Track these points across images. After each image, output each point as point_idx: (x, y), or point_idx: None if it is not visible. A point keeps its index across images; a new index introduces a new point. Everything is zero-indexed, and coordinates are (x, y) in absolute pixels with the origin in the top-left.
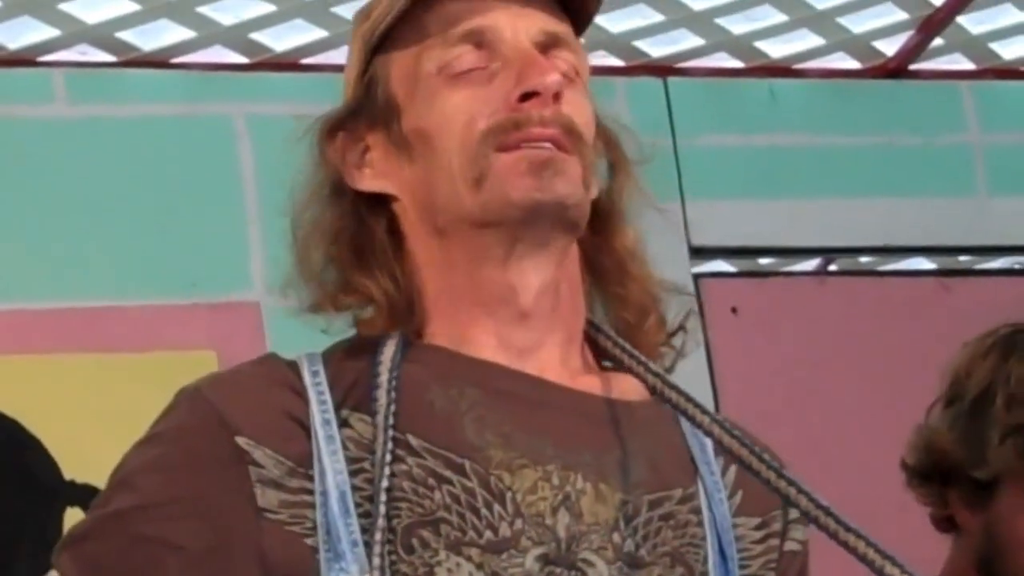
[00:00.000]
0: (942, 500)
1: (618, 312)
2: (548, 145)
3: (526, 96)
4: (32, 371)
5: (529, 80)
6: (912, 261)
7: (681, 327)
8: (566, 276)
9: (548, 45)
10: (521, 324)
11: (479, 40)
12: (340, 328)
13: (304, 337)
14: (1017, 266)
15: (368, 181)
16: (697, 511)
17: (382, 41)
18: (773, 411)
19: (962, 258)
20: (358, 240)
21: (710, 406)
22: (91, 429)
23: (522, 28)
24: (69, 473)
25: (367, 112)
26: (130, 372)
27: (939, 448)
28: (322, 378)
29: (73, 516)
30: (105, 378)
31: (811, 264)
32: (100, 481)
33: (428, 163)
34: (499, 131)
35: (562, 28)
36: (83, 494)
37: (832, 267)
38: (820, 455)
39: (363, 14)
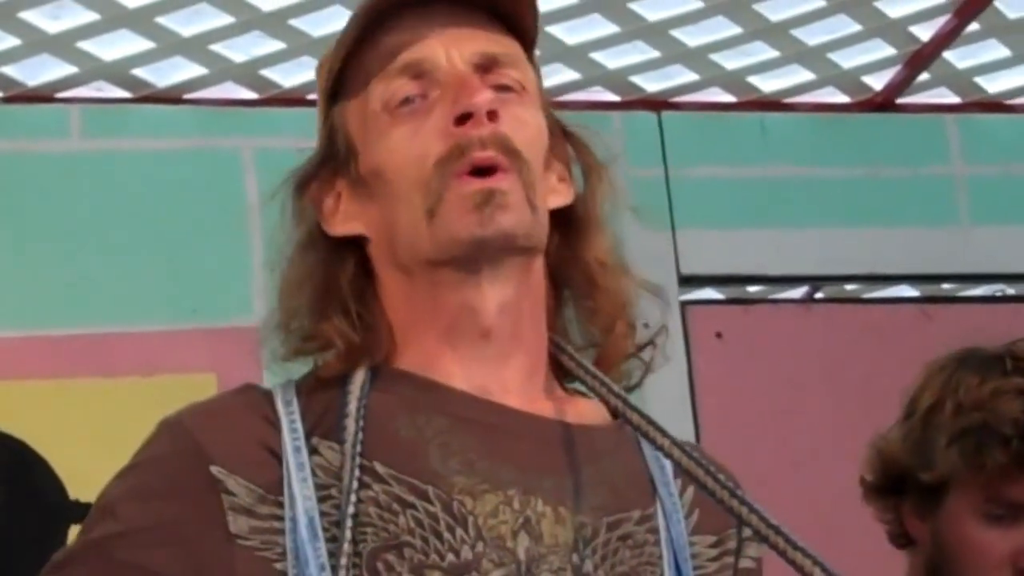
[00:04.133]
0: (897, 514)
1: (587, 325)
2: (487, 177)
3: (461, 119)
4: (40, 394)
5: (460, 102)
6: (896, 289)
7: (651, 342)
8: (529, 295)
9: (487, 66)
10: (483, 342)
11: (417, 71)
12: None
13: (297, 362)
14: (998, 293)
15: (340, 225)
16: (654, 531)
17: (337, 89)
18: (754, 434)
19: (945, 286)
20: (323, 287)
21: (690, 428)
22: (96, 450)
23: (456, 53)
24: (74, 492)
25: (332, 159)
26: (134, 395)
27: (890, 456)
28: (295, 407)
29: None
30: (110, 400)
31: (798, 292)
32: None
33: (387, 200)
34: (447, 160)
35: (502, 47)
36: (87, 513)
37: (819, 295)
38: (800, 478)
39: (320, 67)
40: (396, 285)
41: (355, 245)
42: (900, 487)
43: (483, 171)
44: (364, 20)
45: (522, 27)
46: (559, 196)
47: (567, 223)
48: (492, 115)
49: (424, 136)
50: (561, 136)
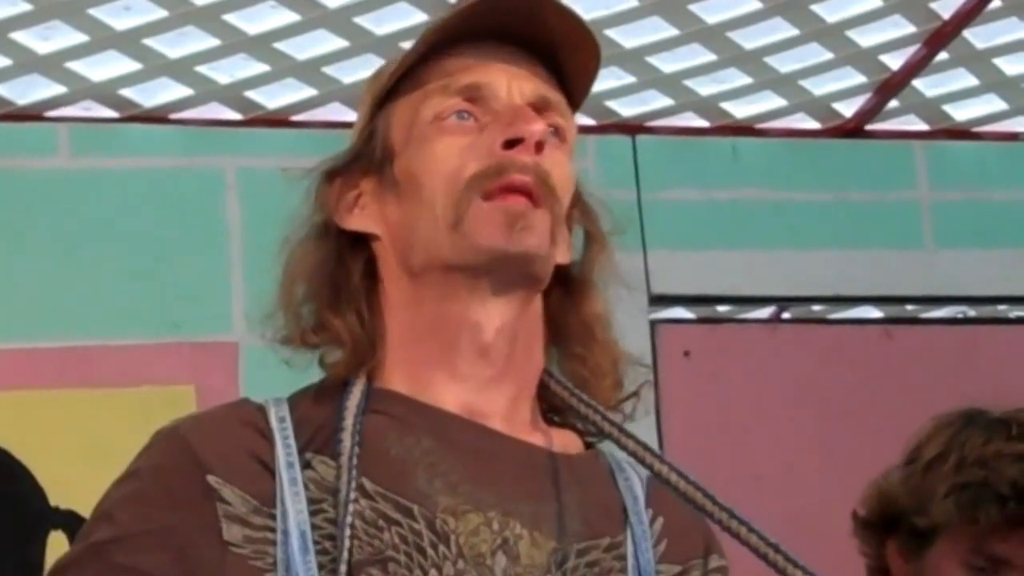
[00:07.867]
0: (880, 551)
1: (576, 368)
2: (523, 197)
3: (510, 144)
4: (23, 404)
5: (514, 128)
6: (860, 310)
7: (635, 393)
8: (525, 328)
9: (540, 107)
10: (481, 361)
11: (476, 95)
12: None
13: (276, 375)
14: (959, 315)
15: (354, 220)
16: (622, 558)
17: (387, 96)
18: (718, 451)
19: (908, 307)
20: (335, 278)
21: (655, 444)
22: (77, 459)
23: (517, 88)
24: (55, 499)
25: (364, 159)
26: (115, 406)
27: (888, 496)
28: (288, 423)
29: (56, 539)
30: (91, 411)
31: (765, 312)
32: (83, 507)
33: (413, 204)
34: (483, 177)
35: (556, 96)
36: (66, 519)
37: (785, 315)
38: (764, 494)
39: (375, 75)
40: (401, 291)
41: (364, 244)
42: (891, 526)
43: (518, 192)
44: (435, 36)
45: (574, 87)
46: (561, 255)
47: (565, 281)
48: (539, 147)
49: (469, 153)
50: (575, 201)
